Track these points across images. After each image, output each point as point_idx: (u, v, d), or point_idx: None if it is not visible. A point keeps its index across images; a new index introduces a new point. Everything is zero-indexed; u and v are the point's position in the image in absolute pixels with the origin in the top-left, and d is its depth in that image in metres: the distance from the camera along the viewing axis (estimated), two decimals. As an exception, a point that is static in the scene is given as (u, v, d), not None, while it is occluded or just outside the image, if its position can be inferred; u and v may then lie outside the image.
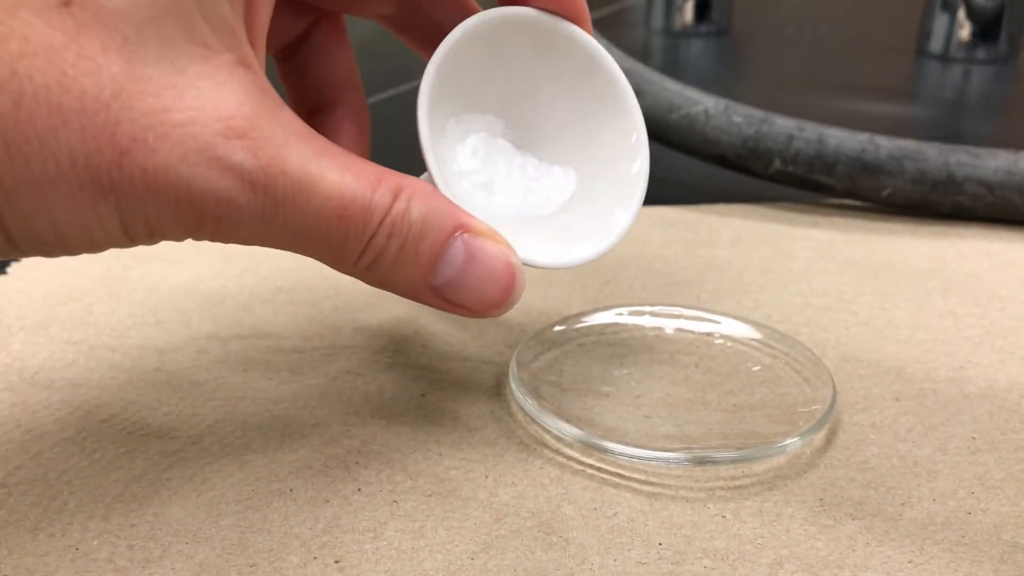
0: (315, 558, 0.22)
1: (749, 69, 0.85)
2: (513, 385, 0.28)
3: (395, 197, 0.21)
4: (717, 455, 0.25)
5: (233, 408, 0.28)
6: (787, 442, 0.25)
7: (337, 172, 0.20)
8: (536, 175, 0.26)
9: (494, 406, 0.29)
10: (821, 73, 0.80)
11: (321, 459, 0.26)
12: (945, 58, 0.83)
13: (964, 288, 0.38)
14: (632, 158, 0.26)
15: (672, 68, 0.83)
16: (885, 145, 0.45)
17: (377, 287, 0.22)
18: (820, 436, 0.27)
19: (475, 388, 0.30)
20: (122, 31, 0.18)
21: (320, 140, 0.20)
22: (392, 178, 0.21)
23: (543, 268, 0.24)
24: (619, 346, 0.32)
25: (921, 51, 0.86)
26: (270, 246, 0.20)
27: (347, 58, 0.29)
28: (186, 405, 0.29)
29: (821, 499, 0.24)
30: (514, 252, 0.23)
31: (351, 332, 0.33)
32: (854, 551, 0.23)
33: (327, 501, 0.24)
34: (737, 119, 0.47)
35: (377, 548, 0.23)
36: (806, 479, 0.25)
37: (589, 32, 0.26)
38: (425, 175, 0.24)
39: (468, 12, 0.27)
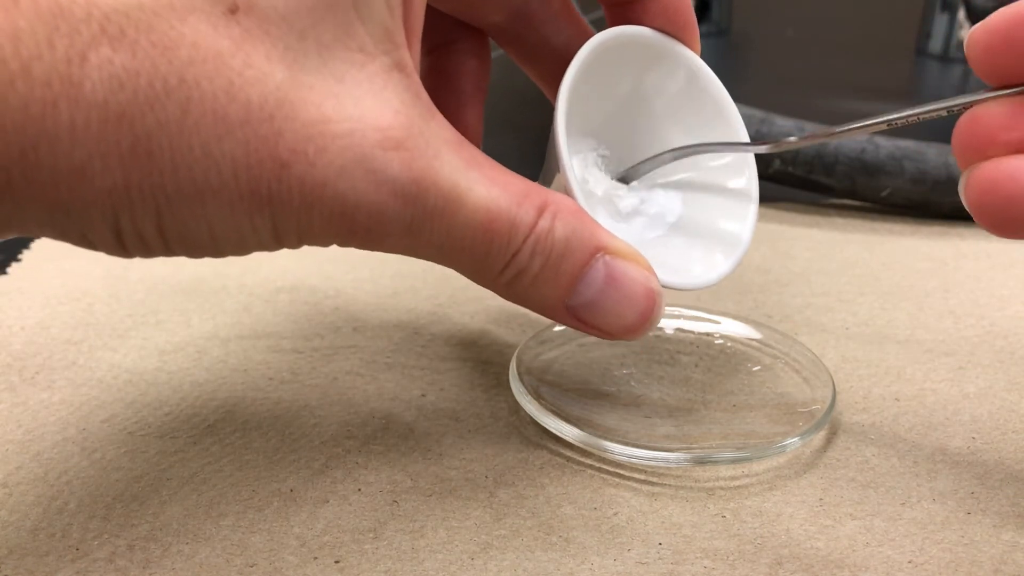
0: (315, 558, 0.22)
1: (749, 69, 0.85)
2: (513, 385, 0.28)
3: (540, 214, 0.21)
4: (717, 455, 0.25)
5: (233, 408, 0.28)
6: (787, 442, 0.25)
7: (484, 185, 0.20)
8: (640, 196, 0.26)
9: (494, 406, 0.29)
10: (821, 73, 0.80)
11: (321, 459, 0.26)
12: (945, 58, 0.83)
13: (964, 288, 0.38)
14: (739, 175, 0.26)
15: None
16: (885, 145, 0.45)
17: (513, 302, 0.22)
18: (820, 436, 0.27)
19: (475, 388, 0.30)
20: (284, 39, 0.17)
21: (469, 149, 0.20)
22: (538, 194, 0.21)
23: (680, 289, 0.24)
24: (619, 346, 0.32)
25: (921, 51, 0.86)
26: (413, 256, 0.20)
27: None
28: (186, 405, 0.29)
29: (821, 499, 0.24)
30: (655, 276, 0.22)
31: (351, 332, 0.33)
32: (854, 551, 0.22)
33: (327, 501, 0.24)
34: (737, 119, 0.47)
35: (377, 548, 0.23)
36: (806, 479, 0.25)
37: (697, 50, 0.26)
38: (543, 180, 0.24)
39: (578, 29, 0.27)
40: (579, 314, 0.22)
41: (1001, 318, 0.35)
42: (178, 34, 0.16)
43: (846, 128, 0.22)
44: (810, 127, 0.46)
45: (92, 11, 0.16)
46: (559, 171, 0.23)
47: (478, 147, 0.28)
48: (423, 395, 0.29)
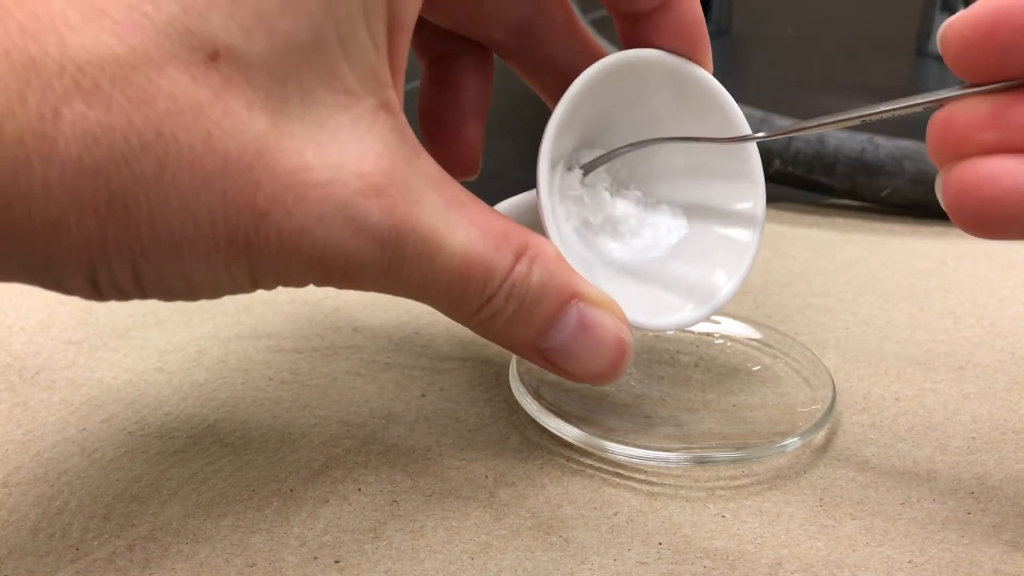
0: (315, 558, 0.22)
1: (749, 69, 0.85)
2: (513, 385, 0.28)
3: (518, 259, 0.21)
4: (717, 455, 0.25)
5: (233, 408, 0.28)
6: (787, 442, 0.25)
7: (463, 229, 0.20)
8: (643, 216, 0.26)
9: (494, 406, 0.29)
10: (821, 73, 0.80)
11: (321, 459, 0.26)
12: (945, 58, 0.83)
13: (964, 288, 0.38)
14: (747, 199, 0.26)
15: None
16: (885, 145, 0.45)
17: (486, 338, 0.23)
18: (820, 436, 0.27)
19: (475, 388, 0.30)
20: (265, 86, 0.17)
21: (452, 188, 0.20)
22: (518, 236, 0.21)
23: (652, 331, 0.24)
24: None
25: (921, 51, 0.86)
26: (389, 294, 0.20)
27: (472, 6, 0.27)
28: (186, 405, 0.29)
29: (821, 499, 0.24)
30: (627, 327, 0.22)
31: (351, 332, 0.33)
32: (854, 551, 0.23)
33: (327, 501, 0.24)
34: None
35: (377, 548, 0.23)
36: (806, 479, 0.25)
37: (709, 69, 0.25)
38: (508, 204, 0.24)
39: (583, 44, 0.26)
40: (549, 356, 0.22)
41: (1001, 318, 0.35)
42: (155, 87, 0.16)
43: (817, 123, 0.22)
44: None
45: (65, 64, 0.15)
46: (540, 214, 0.23)
47: (478, 159, 0.28)
48: (423, 395, 0.29)
